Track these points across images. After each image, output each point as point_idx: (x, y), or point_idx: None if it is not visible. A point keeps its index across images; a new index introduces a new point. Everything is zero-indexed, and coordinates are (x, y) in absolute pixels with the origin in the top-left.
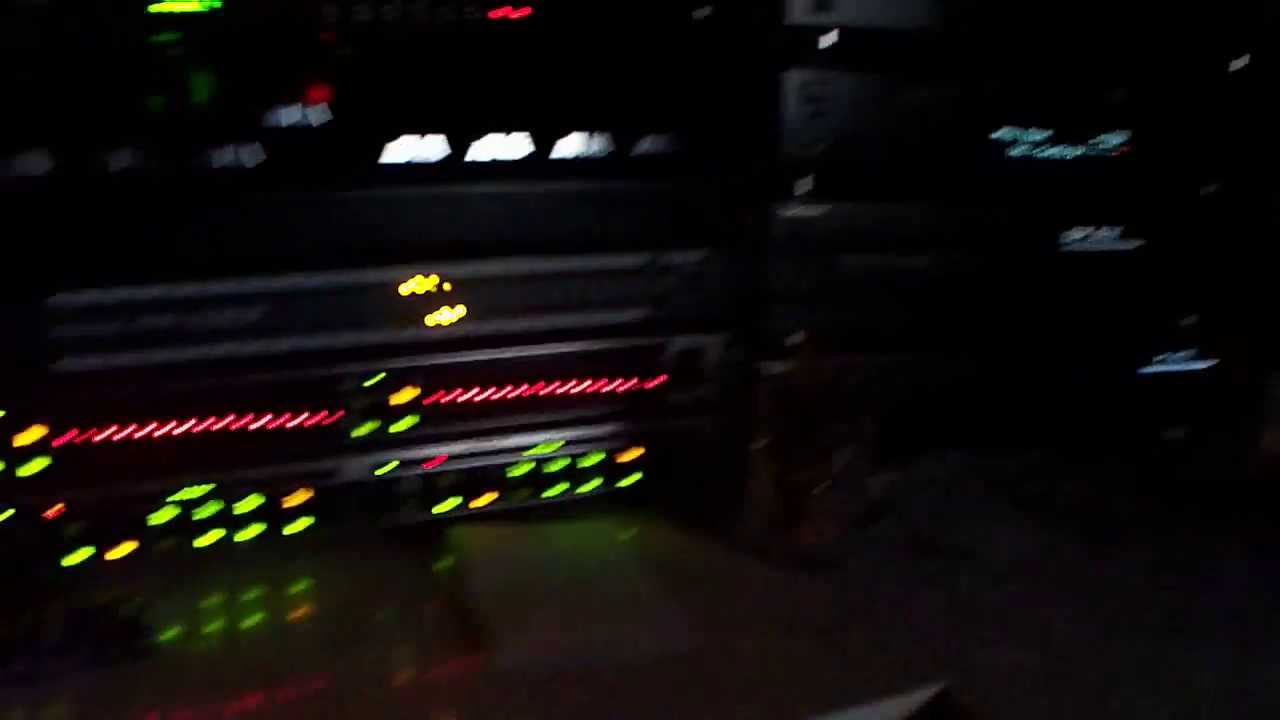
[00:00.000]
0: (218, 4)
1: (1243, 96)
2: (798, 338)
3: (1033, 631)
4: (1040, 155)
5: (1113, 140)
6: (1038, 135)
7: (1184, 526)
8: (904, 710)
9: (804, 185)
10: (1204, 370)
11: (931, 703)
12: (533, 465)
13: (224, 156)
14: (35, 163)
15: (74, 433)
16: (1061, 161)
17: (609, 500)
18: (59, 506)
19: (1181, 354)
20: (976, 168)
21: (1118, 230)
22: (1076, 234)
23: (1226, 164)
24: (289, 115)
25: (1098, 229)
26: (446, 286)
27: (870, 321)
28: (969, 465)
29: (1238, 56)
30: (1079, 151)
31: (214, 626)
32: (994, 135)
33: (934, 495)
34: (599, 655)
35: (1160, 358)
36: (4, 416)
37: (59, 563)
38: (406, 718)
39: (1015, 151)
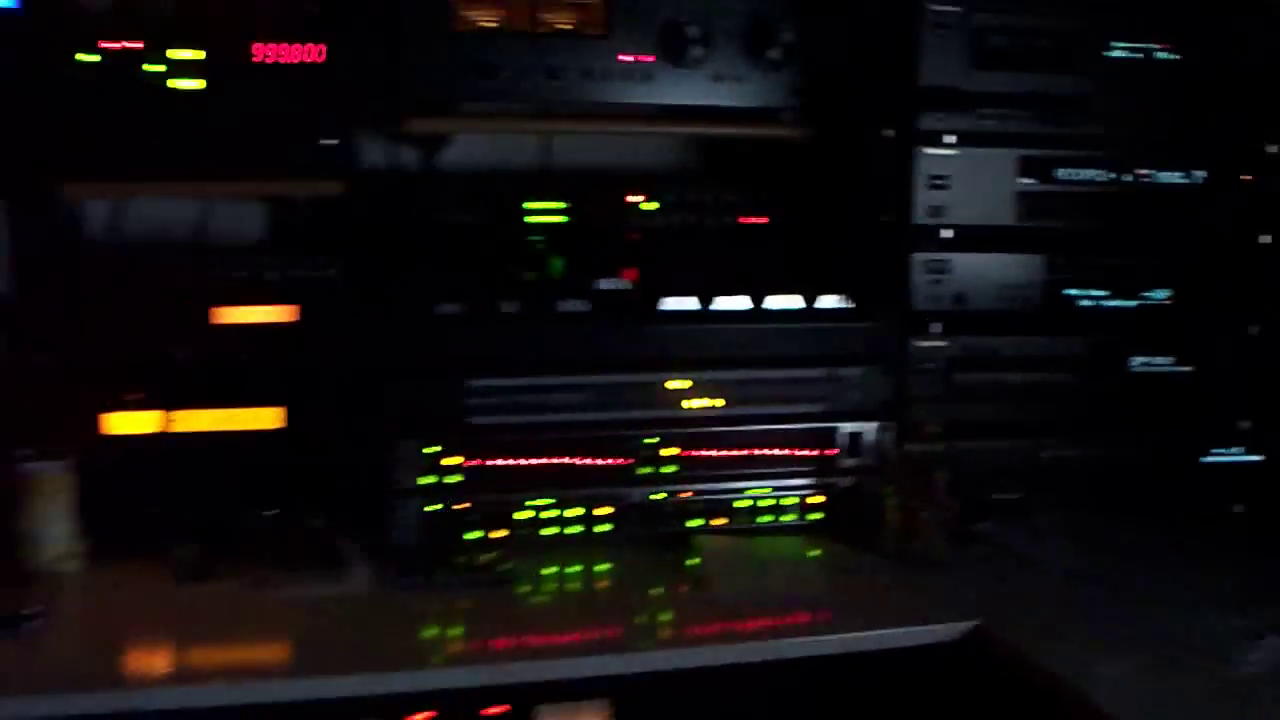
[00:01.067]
0: (566, 219)
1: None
2: (928, 427)
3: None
4: (1104, 305)
5: (1159, 295)
6: (1098, 292)
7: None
8: (954, 633)
9: (935, 328)
10: (1258, 462)
11: (972, 632)
12: (751, 502)
13: (569, 306)
14: (453, 307)
15: (477, 461)
16: (1123, 309)
17: (801, 529)
18: (466, 504)
19: (1237, 449)
20: (1056, 314)
21: (1171, 358)
22: (1139, 360)
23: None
24: (609, 283)
25: (1155, 357)
26: (698, 382)
27: (979, 418)
28: (1055, 520)
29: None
30: (1133, 303)
31: (549, 583)
32: (1065, 291)
33: (1017, 532)
34: (771, 596)
35: (1219, 451)
36: (440, 450)
37: (463, 537)
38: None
39: (1083, 303)
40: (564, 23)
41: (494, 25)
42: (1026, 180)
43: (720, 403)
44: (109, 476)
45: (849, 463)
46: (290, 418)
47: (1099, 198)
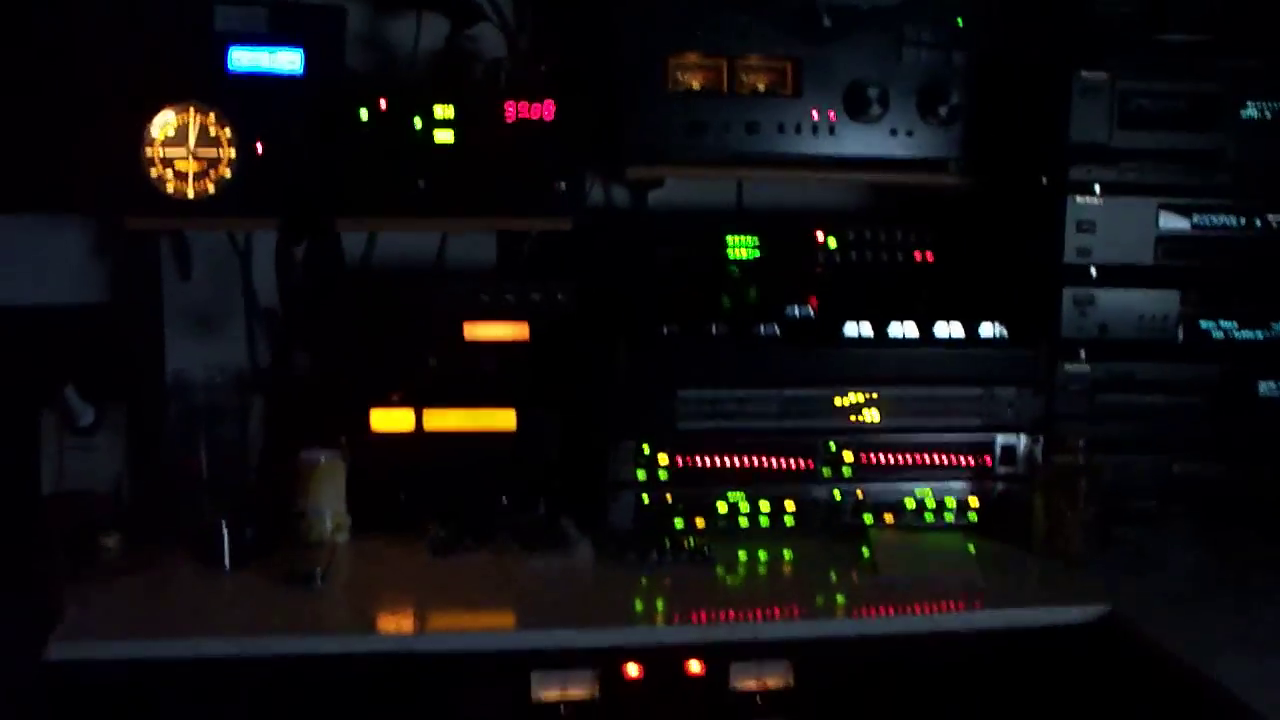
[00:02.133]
0: (759, 253)
1: None
2: (1073, 441)
3: (1183, 597)
4: (1234, 335)
5: None
6: (1228, 324)
7: None
8: (1088, 616)
9: (1081, 354)
10: None
11: (1105, 616)
12: (916, 502)
13: (762, 330)
14: (671, 331)
15: (683, 459)
16: (1252, 340)
17: (959, 527)
18: (670, 496)
19: None
20: (1190, 343)
21: None
22: (1266, 385)
23: None
24: (796, 311)
25: None
26: (872, 397)
27: (1118, 435)
28: (1186, 528)
29: None
30: (1261, 334)
31: (742, 565)
32: (1199, 323)
33: (1151, 537)
34: (931, 580)
35: None
36: (651, 449)
37: (672, 523)
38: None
39: (1215, 334)
40: (761, 84)
41: (701, 87)
42: (1165, 225)
43: (891, 415)
44: (373, 465)
45: (1003, 470)
46: (521, 419)
47: (1230, 241)
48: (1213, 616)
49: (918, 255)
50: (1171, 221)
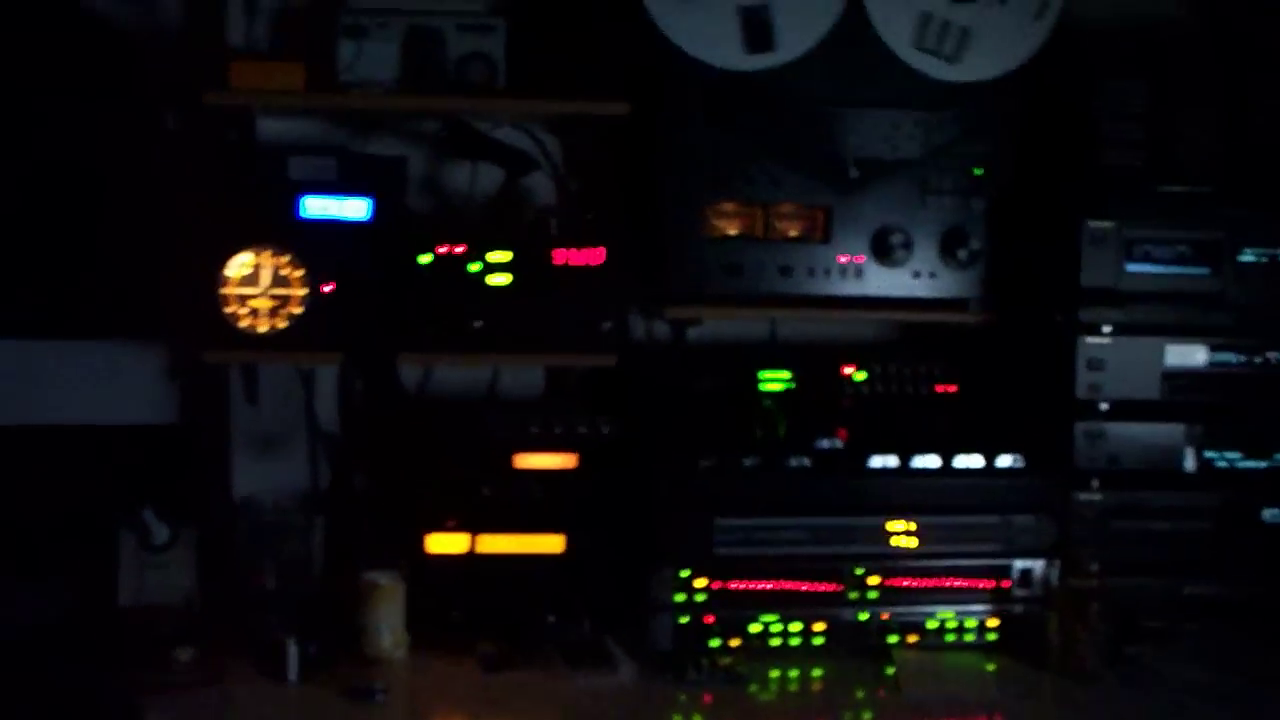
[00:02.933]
0: (790, 385)
1: None
2: (1087, 565)
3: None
4: (1238, 465)
5: None
6: (1233, 454)
7: None
8: None
9: (1093, 484)
10: None
11: None
12: (938, 622)
13: (793, 462)
14: (708, 464)
15: (719, 583)
16: (1255, 469)
17: (979, 646)
18: (711, 617)
19: None
20: (1196, 472)
21: None
22: (1270, 512)
23: None
24: (825, 443)
25: None
26: (897, 525)
27: (1130, 558)
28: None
29: None
30: (1264, 463)
31: (774, 683)
32: (1205, 453)
33: (1161, 655)
34: (953, 699)
35: None
36: (689, 574)
37: (708, 643)
38: None
39: (1220, 463)
40: (794, 231)
41: (738, 233)
42: (1171, 362)
43: (915, 542)
44: (429, 585)
45: (1020, 593)
46: (569, 543)
47: (1233, 376)
48: None
49: (940, 388)
50: (1177, 358)
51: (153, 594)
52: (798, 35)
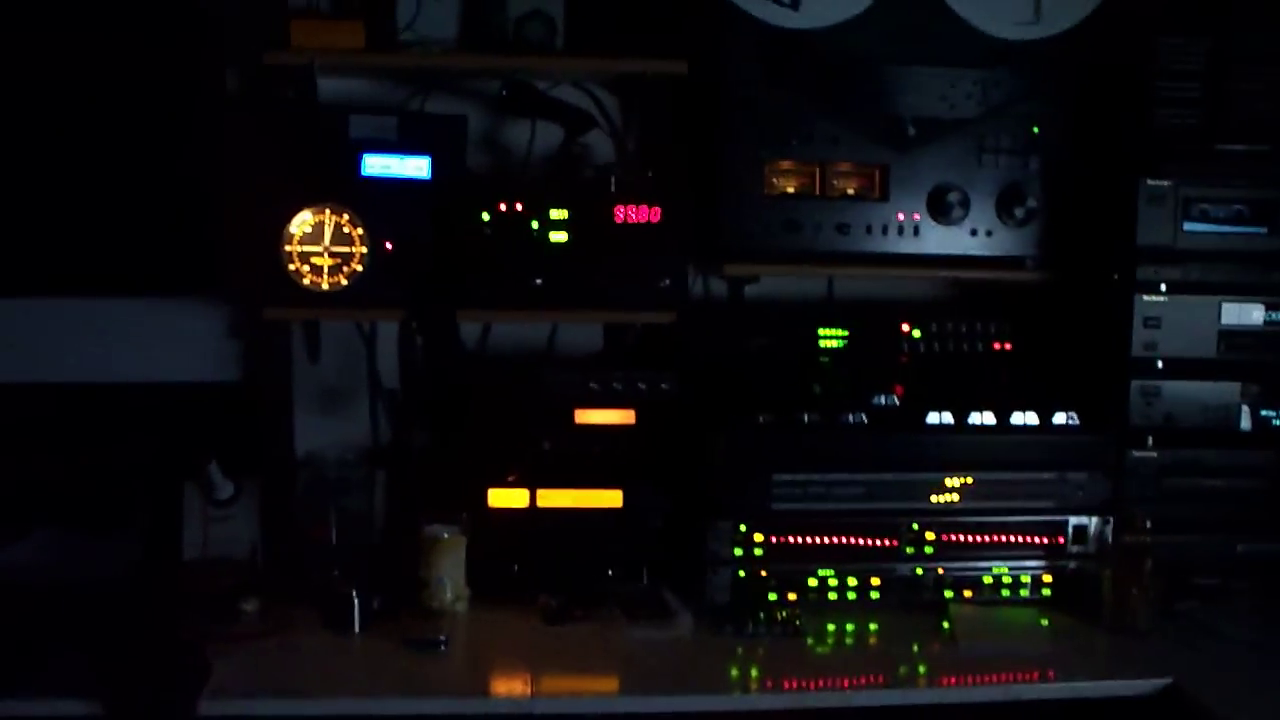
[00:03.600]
0: (847, 343)
1: None
2: (1141, 522)
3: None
4: None
5: None
6: None
7: None
8: (1151, 688)
9: (1148, 441)
10: None
11: (1167, 688)
12: (993, 578)
13: (849, 418)
14: (766, 419)
15: (777, 538)
16: None
17: (1034, 602)
18: (765, 571)
19: None
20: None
21: None
22: None
23: None
24: (882, 399)
25: None
26: (953, 481)
27: (1184, 516)
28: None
29: None
30: None
31: (831, 637)
32: (1261, 412)
33: (1214, 612)
34: (1006, 651)
35: None
36: (746, 529)
37: (766, 597)
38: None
39: (1275, 421)
40: (851, 189)
41: (795, 191)
42: (1227, 321)
43: (970, 498)
44: (490, 539)
45: (1074, 549)
46: (627, 498)
47: None
48: (1273, 687)
49: (996, 345)
50: (1233, 317)
51: (218, 547)
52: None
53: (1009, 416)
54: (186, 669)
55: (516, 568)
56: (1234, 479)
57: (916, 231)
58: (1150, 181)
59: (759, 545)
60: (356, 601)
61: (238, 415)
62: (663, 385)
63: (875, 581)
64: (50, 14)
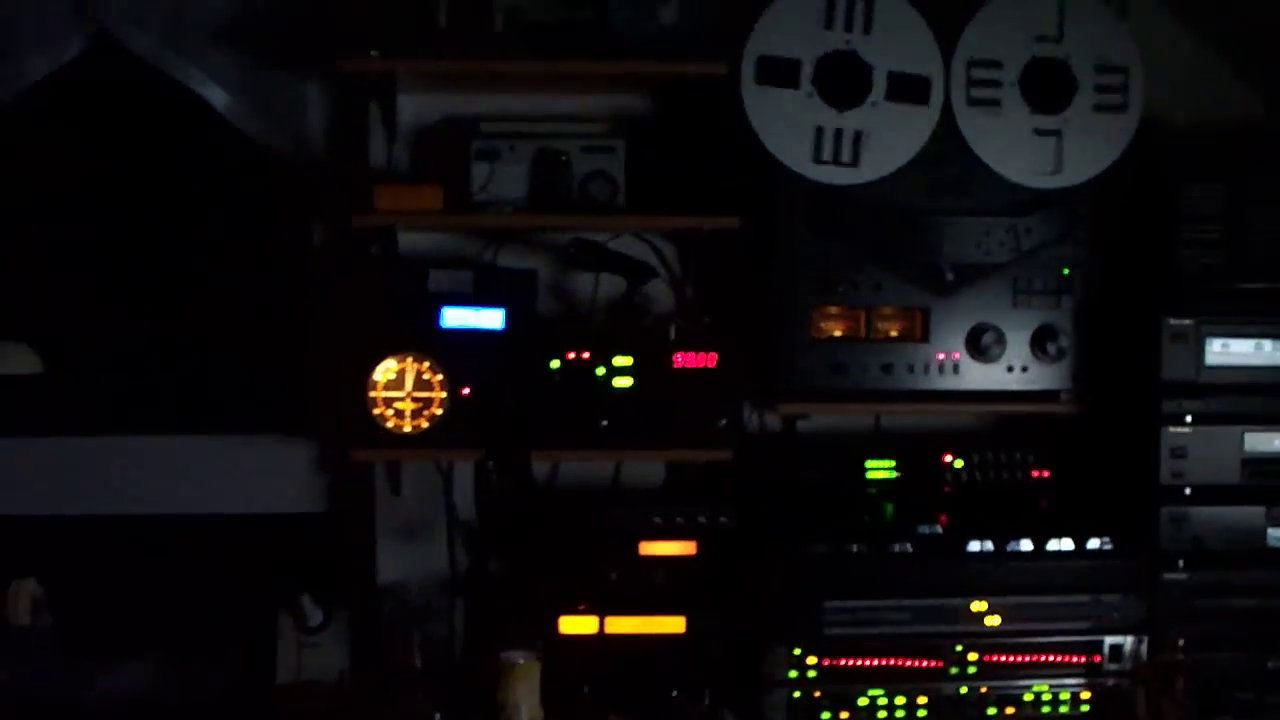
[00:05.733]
0: (894, 475)
1: None
2: (1173, 641)
3: None
4: None
5: None
6: None
7: None
8: None
9: (1178, 564)
10: None
11: None
12: (1033, 696)
13: (897, 548)
14: (818, 550)
15: (829, 660)
16: None
17: (1073, 719)
18: (818, 692)
19: None
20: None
21: None
22: None
23: None
24: (926, 529)
25: None
26: (994, 604)
27: (1215, 634)
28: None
29: None
30: None
31: None
32: None
33: None
34: None
35: None
36: (801, 653)
37: (819, 716)
38: None
39: None
40: (894, 331)
41: (842, 334)
42: (1250, 448)
43: (1010, 620)
44: (562, 663)
45: (1111, 668)
46: (690, 624)
47: None
48: None
49: (1035, 473)
50: (1256, 444)
51: (309, 672)
52: (892, 152)
53: (1046, 543)
54: None
55: (587, 690)
56: (1262, 598)
57: (956, 369)
58: (1173, 320)
59: (812, 668)
60: None
61: (325, 546)
62: (721, 518)
63: (922, 700)
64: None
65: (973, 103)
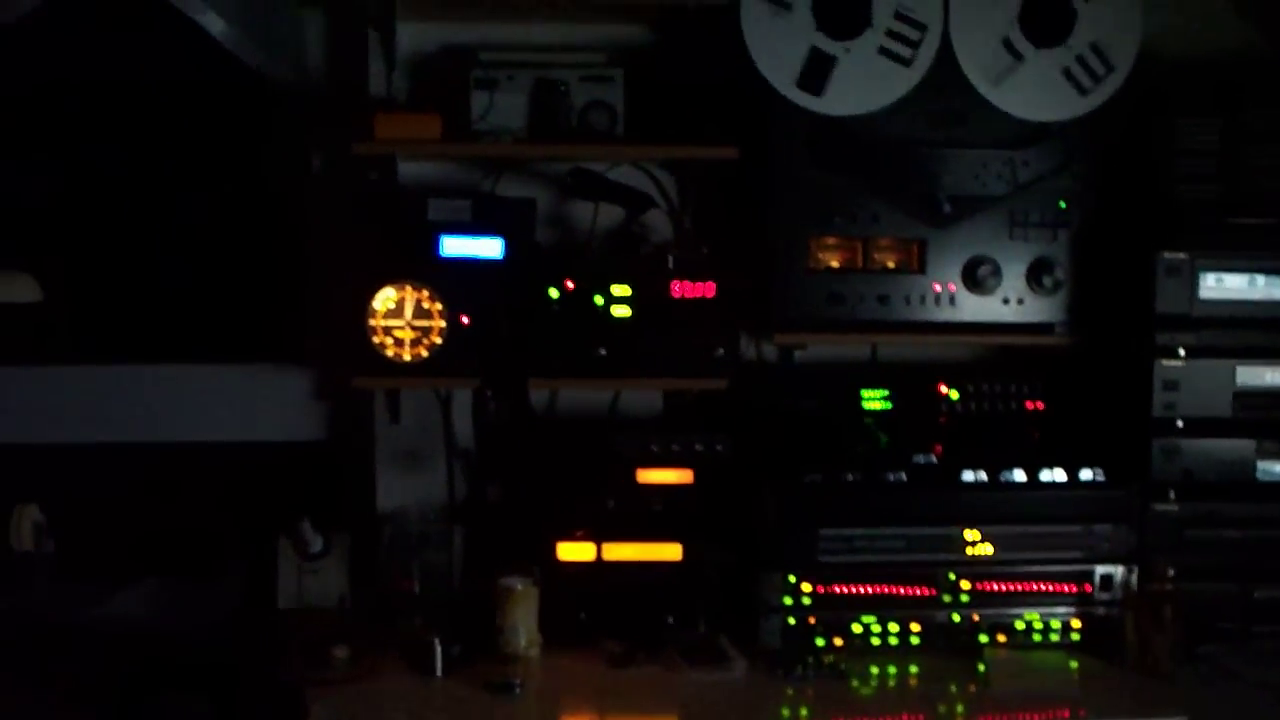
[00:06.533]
0: (889, 405)
1: None
2: (1163, 570)
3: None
4: None
5: None
6: None
7: None
8: None
9: (1169, 495)
10: None
11: None
12: (1025, 624)
13: (890, 476)
14: (812, 478)
15: (823, 587)
16: None
17: (1063, 646)
18: (813, 619)
19: None
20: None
21: None
22: None
23: None
24: (921, 458)
25: None
26: (987, 533)
27: (1204, 565)
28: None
29: None
30: None
31: (874, 679)
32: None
33: (1232, 655)
34: (1039, 694)
35: None
36: (795, 580)
37: (814, 642)
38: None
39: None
40: (891, 262)
41: (839, 265)
42: (1241, 382)
43: (1003, 549)
44: (559, 589)
45: (1101, 597)
46: (686, 551)
47: None
48: None
49: (1029, 405)
50: (1247, 378)
51: (309, 597)
52: (891, 83)
53: (1039, 474)
54: (288, 711)
55: (584, 616)
56: (1250, 529)
57: (952, 301)
58: (1167, 254)
59: (807, 595)
60: (439, 648)
61: (325, 473)
62: (718, 447)
63: (915, 628)
64: (153, 107)
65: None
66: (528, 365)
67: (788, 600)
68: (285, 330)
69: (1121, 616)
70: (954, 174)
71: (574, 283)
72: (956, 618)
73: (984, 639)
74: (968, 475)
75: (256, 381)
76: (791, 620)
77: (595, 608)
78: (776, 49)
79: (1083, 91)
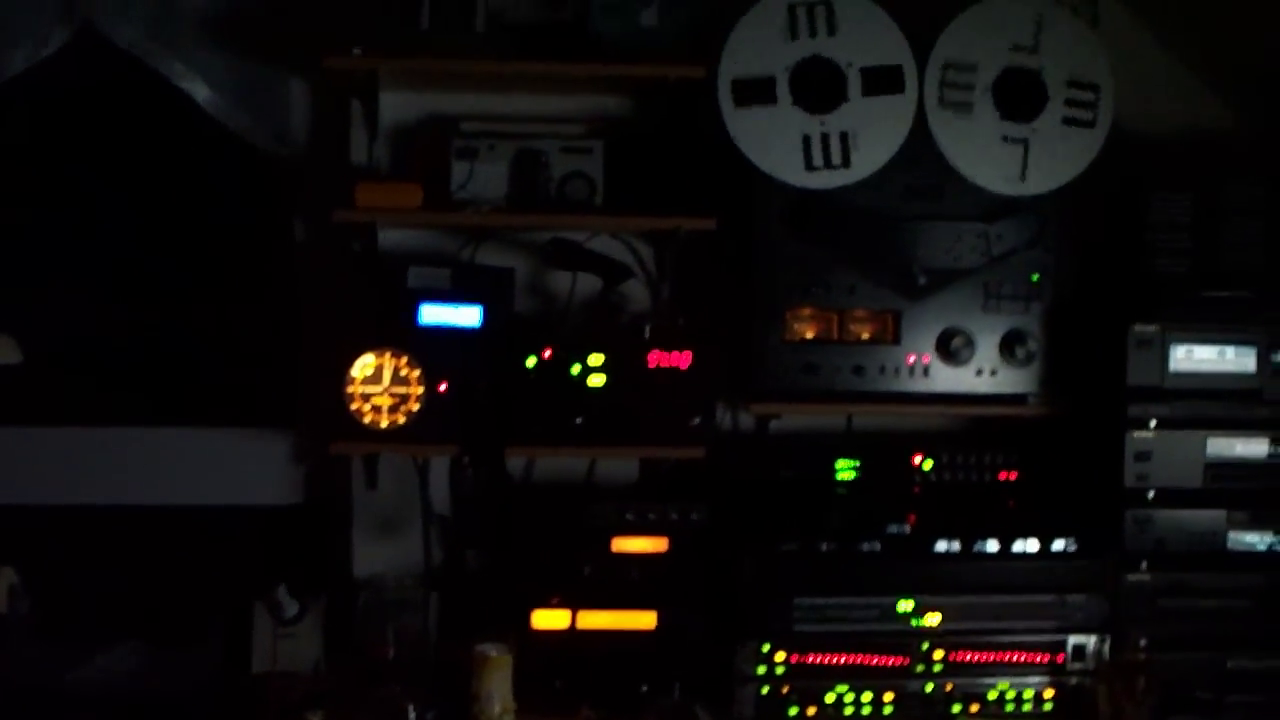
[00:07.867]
0: (855, 475)
1: None
2: (1135, 640)
3: None
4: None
5: None
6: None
7: None
8: None
9: (1141, 566)
10: None
11: None
12: (998, 693)
13: (865, 546)
14: (788, 547)
15: (797, 656)
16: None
17: (1036, 716)
18: (786, 688)
19: None
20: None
21: None
22: None
23: None
24: (895, 528)
25: None
26: (960, 603)
27: (1177, 635)
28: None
29: None
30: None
31: None
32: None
33: None
34: None
35: None
36: (770, 649)
37: (787, 712)
38: None
39: (1258, 546)
40: (866, 334)
41: (815, 336)
42: (1212, 453)
43: (976, 619)
44: (534, 656)
45: (1074, 667)
46: (661, 620)
47: (1268, 466)
48: None
49: (1002, 475)
50: (1218, 449)
51: (284, 662)
52: (880, 145)
53: (1012, 544)
54: None
55: (559, 684)
56: (1223, 599)
57: (926, 372)
58: (1139, 326)
59: (781, 664)
60: (413, 715)
61: (301, 538)
62: (693, 515)
63: (889, 697)
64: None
65: (945, 105)
66: (505, 433)
67: (761, 670)
68: (267, 395)
69: (1094, 687)
70: (928, 246)
71: (551, 351)
72: (929, 688)
73: (957, 709)
74: (941, 545)
75: (236, 446)
76: (766, 689)
77: (570, 675)
78: (766, 139)
79: None
